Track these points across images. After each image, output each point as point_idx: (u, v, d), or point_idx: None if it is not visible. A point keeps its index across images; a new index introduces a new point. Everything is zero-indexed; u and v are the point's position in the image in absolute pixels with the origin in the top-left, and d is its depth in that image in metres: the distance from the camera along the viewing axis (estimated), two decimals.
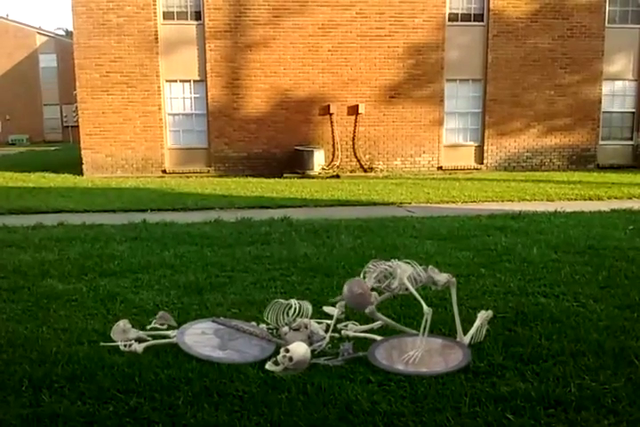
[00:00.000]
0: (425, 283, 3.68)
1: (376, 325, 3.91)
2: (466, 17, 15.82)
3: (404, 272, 3.59)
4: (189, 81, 15.53)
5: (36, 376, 3.31)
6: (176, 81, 15.49)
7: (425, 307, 3.52)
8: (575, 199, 10.56)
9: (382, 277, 3.61)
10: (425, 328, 3.50)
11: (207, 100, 15.43)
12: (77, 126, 16.53)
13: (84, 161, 15.36)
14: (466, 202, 10.39)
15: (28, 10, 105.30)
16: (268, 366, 3.36)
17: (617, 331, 3.93)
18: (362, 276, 3.72)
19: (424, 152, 16.06)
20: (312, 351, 3.54)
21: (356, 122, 15.76)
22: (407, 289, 3.57)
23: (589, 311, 4.33)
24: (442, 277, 3.69)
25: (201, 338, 3.66)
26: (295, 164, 15.18)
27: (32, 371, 3.38)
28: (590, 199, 10.56)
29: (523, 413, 2.93)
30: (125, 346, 3.60)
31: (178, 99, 15.62)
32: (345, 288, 3.64)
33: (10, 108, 37.70)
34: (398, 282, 3.55)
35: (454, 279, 3.77)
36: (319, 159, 15.34)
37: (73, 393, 3.14)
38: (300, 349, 3.36)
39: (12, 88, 37.58)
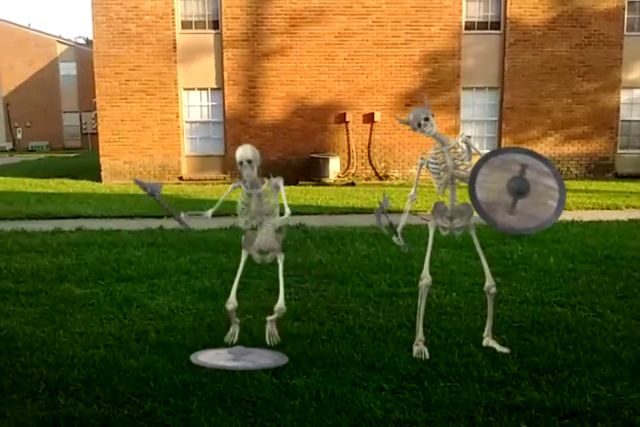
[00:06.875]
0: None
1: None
2: (482, 25, 15.80)
3: None
4: (207, 89, 15.67)
5: (52, 379, 3.36)
6: (194, 89, 15.64)
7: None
8: (593, 208, 10.44)
9: None
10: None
11: (224, 107, 15.55)
12: (96, 133, 16.76)
13: (102, 168, 15.54)
14: None
15: (49, 19, 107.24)
16: None
17: (634, 342, 3.89)
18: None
19: None
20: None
21: (371, 130, 15.78)
22: None
23: (606, 322, 4.29)
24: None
25: (215, 356, 3.73)
26: (311, 171, 15.21)
27: (49, 374, 3.42)
28: (608, 208, 10.44)
29: (537, 423, 2.91)
30: None
31: (195, 107, 15.78)
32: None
33: (30, 115, 38.30)
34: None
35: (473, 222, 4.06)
36: (335, 167, 15.37)
37: (89, 396, 3.18)
38: None
39: (33, 96, 38.17)
